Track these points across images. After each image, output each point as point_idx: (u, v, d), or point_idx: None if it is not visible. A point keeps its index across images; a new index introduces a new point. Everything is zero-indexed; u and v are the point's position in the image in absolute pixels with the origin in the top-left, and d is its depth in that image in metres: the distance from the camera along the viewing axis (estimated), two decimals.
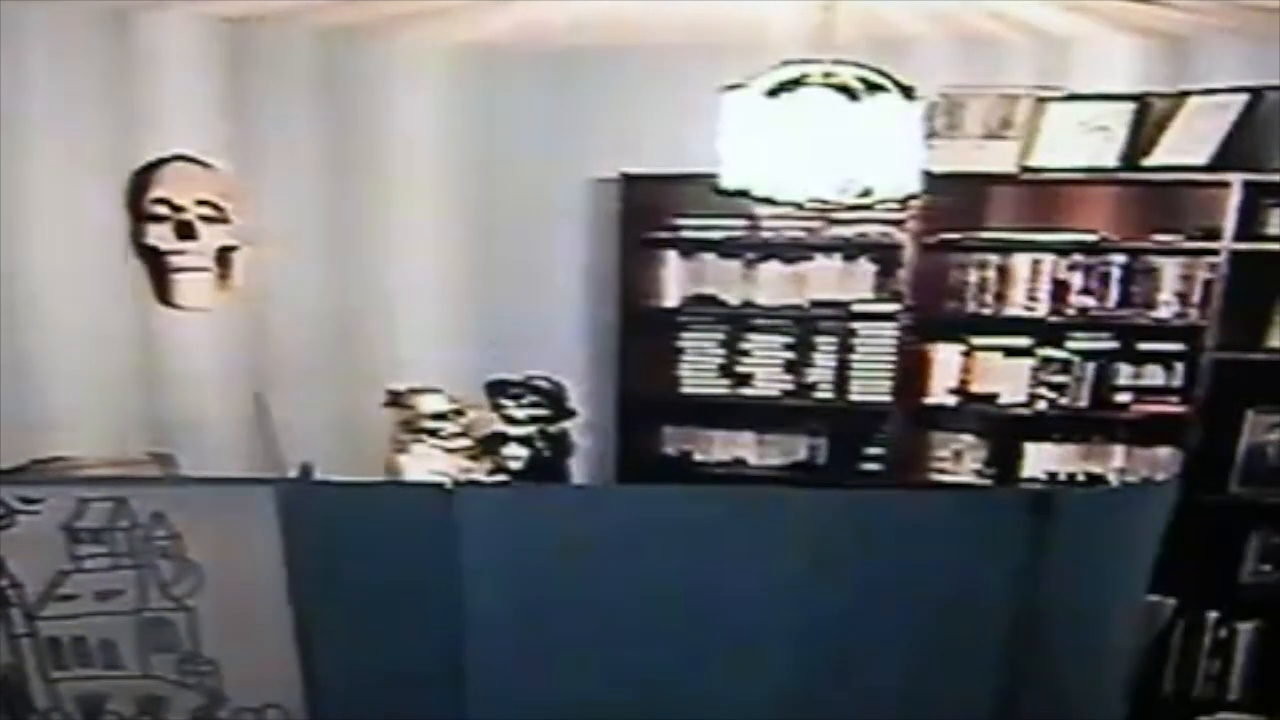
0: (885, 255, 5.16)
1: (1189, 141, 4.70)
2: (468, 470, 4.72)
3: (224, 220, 4.75)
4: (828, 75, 3.63)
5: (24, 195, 4.27)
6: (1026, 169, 4.93)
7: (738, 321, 5.41)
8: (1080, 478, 5.03)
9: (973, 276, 5.07)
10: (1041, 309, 5.00)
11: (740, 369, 5.42)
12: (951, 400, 5.17)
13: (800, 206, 4.00)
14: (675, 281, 5.43)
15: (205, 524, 2.67)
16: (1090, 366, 4.97)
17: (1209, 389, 4.73)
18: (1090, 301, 4.95)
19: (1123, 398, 4.96)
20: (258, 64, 4.81)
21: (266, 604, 2.66)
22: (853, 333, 5.26)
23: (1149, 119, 4.81)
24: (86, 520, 2.65)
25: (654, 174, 5.18)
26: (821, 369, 5.32)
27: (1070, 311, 4.97)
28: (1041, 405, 5.04)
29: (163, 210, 4.63)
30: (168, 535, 2.66)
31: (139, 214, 4.60)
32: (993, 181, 5.03)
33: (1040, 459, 5.09)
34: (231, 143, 4.76)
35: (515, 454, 4.81)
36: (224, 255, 4.78)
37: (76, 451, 4.12)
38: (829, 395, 5.32)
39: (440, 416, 4.77)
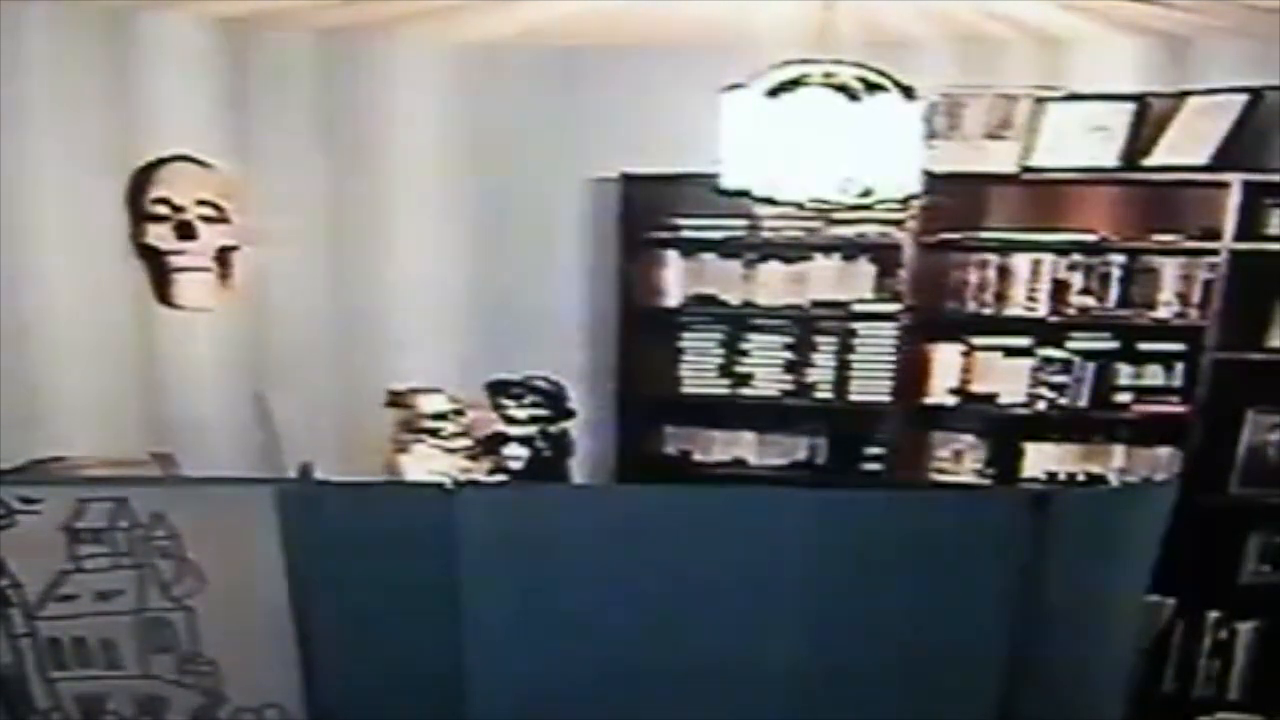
0: (885, 255, 5.16)
1: (1189, 141, 4.70)
2: (468, 470, 4.72)
3: (224, 220, 4.76)
4: (828, 75, 3.63)
5: (24, 195, 4.27)
6: (1026, 169, 4.93)
7: (738, 321, 5.40)
8: (1080, 478, 5.02)
9: (973, 276, 5.06)
10: (1041, 309, 4.99)
11: (740, 369, 5.41)
12: (951, 400, 5.16)
13: (800, 206, 4.01)
14: (675, 281, 5.42)
15: (205, 524, 2.67)
16: (1090, 366, 4.97)
17: (1209, 389, 4.72)
18: (1090, 301, 4.95)
19: (1123, 398, 4.95)
20: (258, 64, 4.81)
21: (266, 604, 2.66)
22: (853, 333, 5.26)
23: (1149, 119, 4.80)
24: (86, 520, 2.65)
25: (654, 174, 5.18)
26: (821, 369, 5.32)
27: (1070, 311, 4.97)
28: (1041, 405, 5.03)
29: (163, 210, 4.63)
30: (168, 535, 2.67)
31: (139, 214, 4.60)
32: (993, 181, 5.03)
33: (1040, 459, 5.08)
34: (231, 143, 4.76)
35: (515, 454, 4.81)
36: (224, 255, 4.78)
37: (76, 451, 4.12)
38: (829, 395, 5.31)
39: (440, 416, 4.77)
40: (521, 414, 4.81)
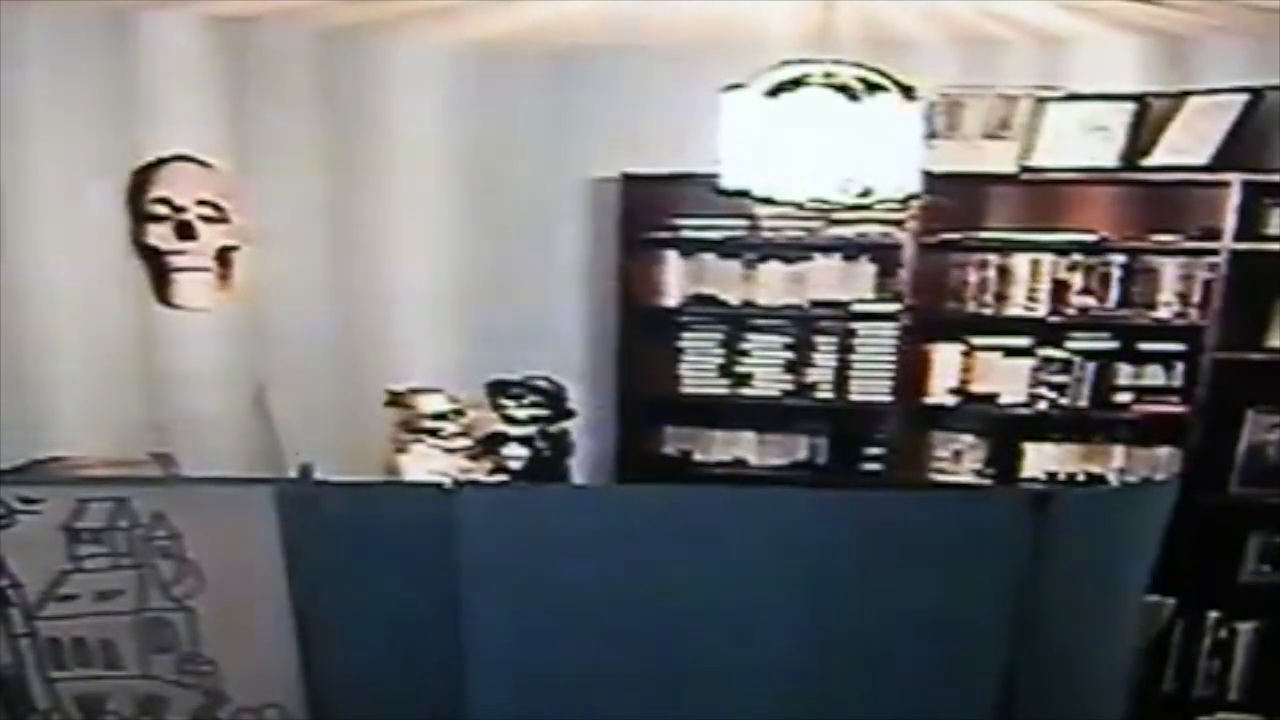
0: (885, 255, 5.16)
1: (1189, 141, 4.70)
2: (468, 470, 4.72)
3: (224, 220, 4.76)
4: (828, 75, 3.63)
5: (24, 195, 4.27)
6: (1026, 169, 4.93)
7: (738, 321, 5.40)
8: (1080, 478, 5.02)
9: (973, 276, 5.06)
10: (1041, 309, 5.00)
11: (740, 369, 5.41)
12: (951, 400, 5.17)
13: (800, 206, 4.00)
14: (675, 281, 5.42)
15: (205, 524, 2.67)
16: (1090, 366, 4.97)
17: (1209, 389, 4.72)
18: (1090, 301, 4.95)
19: (1123, 398, 4.95)
20: (258, 64, 4.81)
21: (266, 604, 2.66)
22: (853, 333, 5.26)
23: (1149, 119, 4.80)
24: (86, 520, 2.65)
25: (654, 174, 5.18)
26: (821, 369, 5.32)
27: (1070, 311, 4.97)
28: (1041, 405, 5.03)
29: (163, 210, 4.63)
30: (168, 535, 2.67)
31: (139, 214, 4.60)
32: (993, 181, 5.03)
33: (1040, 459, 5.08)
34: (231, 143, 4.76)
35: (515, 454, 4.81)
36: (224, 255, 4.78)
37: (76, 451, 4.12)
38: (829, 395, 5.31)
39: (440, 416, 4.77)
40: (521, 414, 4.81)
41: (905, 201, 4.23)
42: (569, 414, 4.88)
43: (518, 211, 5.35)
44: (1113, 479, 4.97)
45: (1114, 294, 4.92)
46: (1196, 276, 4.78)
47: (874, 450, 5.28)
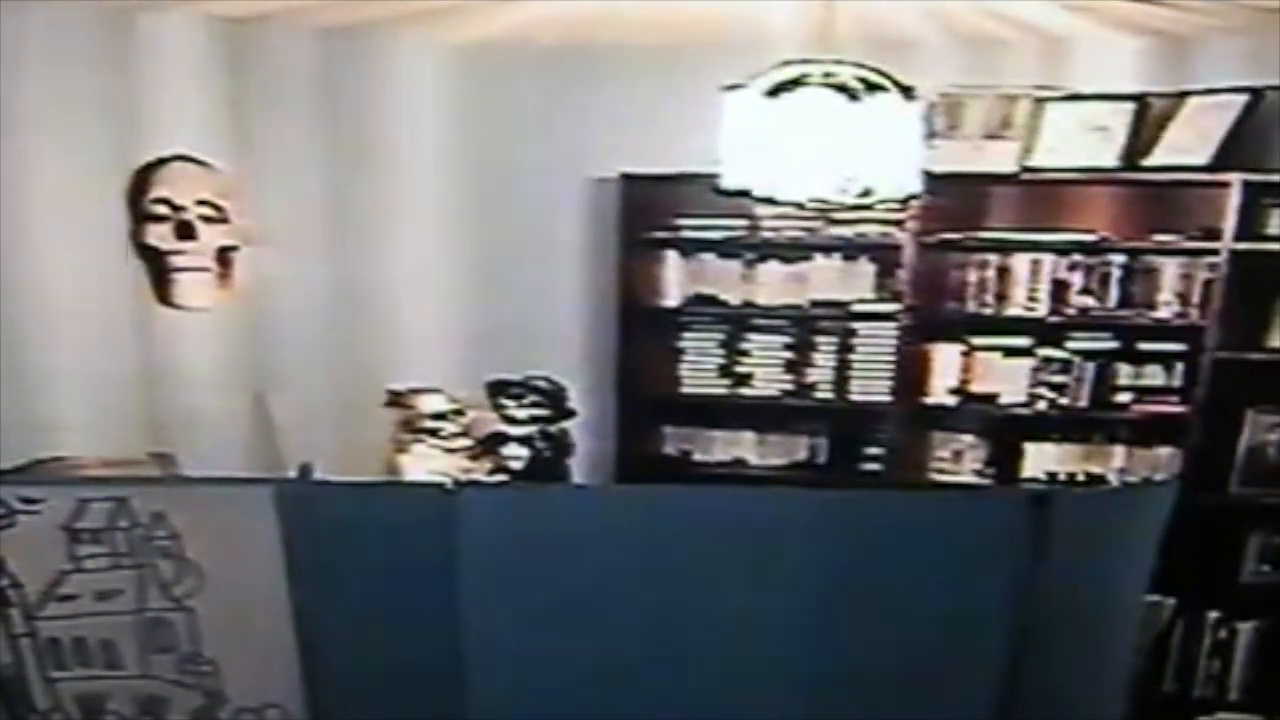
0: (885, 255, 5.16)
1: (1189, 141, 4.70)
2: (468, 470, 4.72)
3: (224, 220, 4.76)
4: (828, 75, 3.63)
5: (24, 195, 4.27)
6: (1026, 169, 4.93)
7: (738, 321, 5.41)
8: (1080, 478, 5.03)
9: (973, 276, 5.06)
10: (1041, 309, 5.00)
11: (740, 369, 5.41)
12: (951, 400, 5.17)
13: (800, 206, 4.00)
14: (675, 281, 5.42)
15: (205, 524, 2.67)
16: (1090, 366, 4.97)
17: (1209, 389, 4.72)
18: (1090, 301, 4.95)
19: (1123, 398, 4.95)
20: (258, 64, 4.81)
21: (266, 604, 2.67)
22: (853, 333, 5.26)
23: (1149, 119, 4.80)
24: (86, 520, 2.65)
25: (654, 174, 5.18)
26: (821, 369, 5.32)
27: (1070, 311, 4.97)
28: (1041, 405, 5.03)
29: (163, 210, 4.64)
30: (168, 535, 2.67)
31: (139, 214, 4.60)
32: (993, 181, 5.03)
33: (1040, 459, 5.08)
34: (231, 143, 4.76)
35: (515, 454, 4.81)
36: (224, 255, 4.79)
37: (76, 451, 4.12)
38: (829, 395, 5.31)
39: (440, 416, 4.77)
40: (521, 414, 4.81)
41: (905, 201, 4.24)
42: (569, 414, 4.88)
43: (518, 211, 5.35)
44: (1113, 479, 4.97)
45: (1114, 294, 4.92)
46: (1196, 276, 4.78)
47: (874, 450, 5.28)
